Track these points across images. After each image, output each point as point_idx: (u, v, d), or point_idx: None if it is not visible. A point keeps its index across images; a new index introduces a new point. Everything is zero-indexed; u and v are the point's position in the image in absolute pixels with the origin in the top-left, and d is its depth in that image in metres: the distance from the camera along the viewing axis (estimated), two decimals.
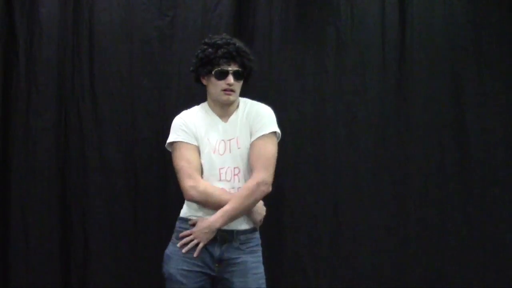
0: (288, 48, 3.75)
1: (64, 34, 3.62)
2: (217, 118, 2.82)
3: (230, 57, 2.75)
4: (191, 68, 2.84)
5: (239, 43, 2.81)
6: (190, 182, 2.69)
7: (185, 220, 2.73)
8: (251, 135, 2.78)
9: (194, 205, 2.76)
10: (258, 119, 2.79)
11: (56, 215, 3.61)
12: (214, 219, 2.68)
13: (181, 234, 2.69)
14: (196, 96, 3.58)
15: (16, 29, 3.59)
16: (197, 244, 2.68)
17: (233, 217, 2.67)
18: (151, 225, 3.63)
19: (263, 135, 2.73)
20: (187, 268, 2.71)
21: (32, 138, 3.59)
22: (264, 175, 2.68)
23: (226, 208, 2.66)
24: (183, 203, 2.87)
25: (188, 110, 2.89)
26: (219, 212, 2.67)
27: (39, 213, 3.59)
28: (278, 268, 3.69)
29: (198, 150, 2.76)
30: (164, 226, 3.59)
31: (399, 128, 3.80)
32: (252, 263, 2.74)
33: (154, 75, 3.67)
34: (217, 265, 2.73)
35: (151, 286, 3.53)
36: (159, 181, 3.64)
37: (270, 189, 2.71)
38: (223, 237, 2.72)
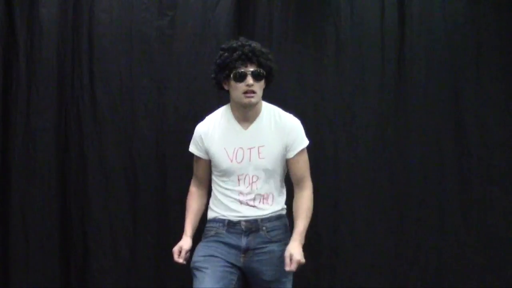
0: (288, 47, 3.76)
1: (64, 34, 3.64)
2: (237, 125, 2.83)
3: (247, 58, 2.74)
4: (212, 75, 2.85)
5: (255, 44, 2.81)
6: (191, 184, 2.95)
7: (210, 221, 2.84)
8: (287, 149, 2.81)
9: (214, 208, 2.85)
10: (295, 134, 2.83)
11: (56, 215, 3.64)
12: (300, 239, 2.72)
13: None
14: (195, 96, 3.67)
15: (16, 29, 3.61)
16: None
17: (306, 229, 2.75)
18: (150, 225, 3.64)
19: (300, 151, 2.82)
20: (208, 254, 2.75)
21: (32, 138, 3.61)
22: (311, 185, 2.84)
23: (301, 228, 2.72)
24: (182, 203, 2.93)
25: (211, 116, 2.91)
26: (299, 234, 2.71)
27: (39, 213, 3.61)
28: None
29: (206, 162, 2.86)
30: (163, 226, 3.66)
31: (398, 127, 3.82)
32: (278, 252, 2.77)
33: (154, 75, 3.68)
34: (243, 255, 2.77)
35: (150, 286, 3.55)
36: (158, 181, 3.66)
37: None
38: (248, 227, 2.77)
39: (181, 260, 2.76)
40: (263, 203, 2.82)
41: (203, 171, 2.89)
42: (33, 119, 3.62)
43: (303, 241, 2.70)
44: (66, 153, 3.67)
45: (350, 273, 3.79)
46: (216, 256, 2.76)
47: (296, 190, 2.85)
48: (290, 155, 2.82)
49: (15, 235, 3.60)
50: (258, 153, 2.80)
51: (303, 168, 2.85)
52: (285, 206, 2.88)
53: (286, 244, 2.77)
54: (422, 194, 3.80)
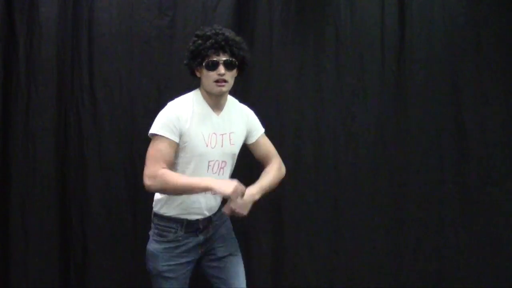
0: (288, 48, 3.76)
1: (64, 34, 3.63)
2: (210, 110, 2.84)
3: (219, 47, 2.75)
4: (185, 62, 2.85)
5: (229, 33, 2.81)
6: (151, 170, 2.73)
7: (166, 219, 2.83)
8: (248, 135, 2.96)
9: (173, 204, 2.83)
10: (255, 121, 3.01)
11: (56, 215, 3.63)
12: (255, 192, 2.77)
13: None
14: None
15: (16, 29, 3.59)
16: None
17: (267, 191, 2.85)
18: (148, 222, 3.48)
19: (262, 133, 3.01)
20: (174, 263, 2.83)
21: (32, 138, 3.61)
22: (280, 160, 2.99)
23: (264, 184, 2.84)
24: None
25: (182, 99, 2.86)
26: (258, 187, 2.80)
27: (39, 213, 3.61)
28: (279, 267, 3.73)
29: (176, 146, 2.77)
30: None
31: (397, 127, 3.82)
32: (226, 230, 2.99)
33: (154, 74, 3.67)
34: (200, 247, 2.90)
35: (150, 286, 3.50)
36: None
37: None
38: (204, 224, 2.88)
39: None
40: None
41: (170, 157, 2.78)
42: (33, 119, 3.61)
43: (258, 196, 2.77)
44: (66, 152, 3.66)
45: (349, 272, 3.80)
46: (180, 263, 2.85)
47: (265, 165, 2.99)
48: (253, 139, 2.98)
49: (15, 234, 3.60)
50: (230, 139, 2.85)
51: (268, 145, 3.03)
52: None
53: (229, 223, 3.01)
54: (421, 193, 3.80)
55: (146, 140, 3.53)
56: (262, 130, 3.04)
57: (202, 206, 2.86)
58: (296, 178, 3.74)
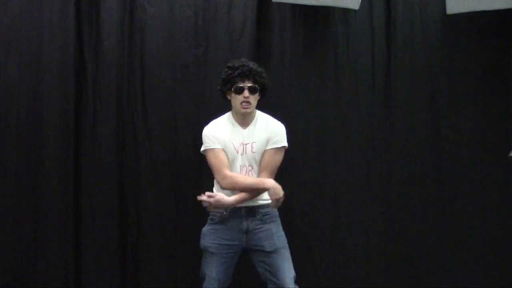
0: (297, 70, 4.11)
1: (122, 61, 4.07)
2: (238, 126, 3.15)
3: (245, 76, 3.07)
4: (218, 87, 3.20)
5: (253, 65, 3.13)
6: (219, 176, 3.09)
7: None
8: (267, 143, 3.12)
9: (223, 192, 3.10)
10: (275, 133, 3.14)
11: (116, 202, 4.04)
12: (230, 202, 3.05)
13: (207, 194, 3.06)
14: (224, 108, 3.63)
15: (85, 58, 4.06)
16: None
17: (241, 202, 3.06)
18: (189, 210, 3.94)
19: (275, 148, 3.13)
20: (217, 242, 3.10)
21: (97, 142, 4.03)
22: (270, 180, 3.09)
23: (237, 198, 3.05)
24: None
25: (216, 120, 3.21)
26: (234, 199, 3.04)
27: (102, 200, 4.04)
28: (288, 245, 3.70)
29: (225, 151, 3.12)
30: (200, 211, 3.63)
31: (386, 134, 4.17)
32: (275, 229, 3.12)
33: (192, 92, 4.07)
34: (245, 236, 3.09)
35: (188, 255, 3.91)
36: (195, 176, 3.98)
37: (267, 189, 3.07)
38: (247, 212, 3.10)
39: (203, 197, 3.03)
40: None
41: (226, 159, 3.07)
42: (98, 127, 4.03)
43: (234, 204, 3.04)
44: (124, 153, 4.05)
45: (346, 258, 4.10)
46: (223, 244, 3.06)
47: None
48: (267, 147, 3.11)
49: (85, 216, 4.01)
50: (251, 147, 3.10)
51: (268, 163, 3.10)
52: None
53: (279, 226, 3.13)
54: (406, 187, 4.11)
55: (186, 144, 4.01)
56: (277, 145, 3.12)
57: None
58: (303, 175, 4.07)
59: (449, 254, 4.15)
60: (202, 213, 3.70)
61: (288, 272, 3.06)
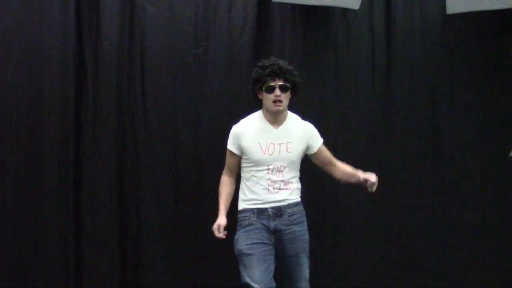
0: (297, 69, 3.91)
1: (121, 61, 4.10)
2: (269, 126, 3.11)
3: (275, 74, 3.04)
4: (249, 87, 3.15)
5: (282, 63, 3.10)
6: (223, 172, 3.20)
7: (242, 211, 3.10)
8: (309, 146, 3.16)
9: (243, 200, 3.10)
10: (315, 134, 3.20)
11: (116, 201, 4.06)
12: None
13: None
14: (224, 108, 4.00)
15: (85, 57, 4.08)
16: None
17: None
18: (189, 210, 4.01)
19: (322, 142, 3.23)
20: (251, 242, 3.03)
21: (97, 141, 4.06)
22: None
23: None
24: (215, 192, 3.17)
25: (245, 119, 3.17)
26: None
27: (102, 200, 4.05)
28: None
29: (238, 157, 3.13)
30: (199, 211, 3.98)
31: (385, 133, 4.23)
32: (299, 232, 3.10)
33: (192, 91, 4.10)
34: (272, 235, 3.06)
35: (188, 255, 3.96)
36: (195, 176, 4.03)
37: None
38: (274, 212, 3.07)
39: (221, 235, 3.00)
40: (286, 188, 3.08)
41: (234, 164, 3.14)
42: (98, 127, 4.06)
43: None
44: (123, 153, 4.08)
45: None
46: (257, 243, 3.02)
47: (331, 169, 3.21)
48: (314, 149, 3.17)
49: (85, 217, 4.03)
50: (287, 147, 3.08)
51: (328, 153, 3.22)
52: (300, 195, 3.17)
53: (304, 226, 3.11)
54: (405, 186, 4.15)
55: (186, 143, 4.03)
56: (321, 140, 3.20)
57: (263, 198, 3.04)
58: (304, 173, 3.70)
59: (449, 255, 4.20)
60: (202, 213, 3.91)
61: (300, 279, 3.09)
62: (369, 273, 4.19)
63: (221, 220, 3.06)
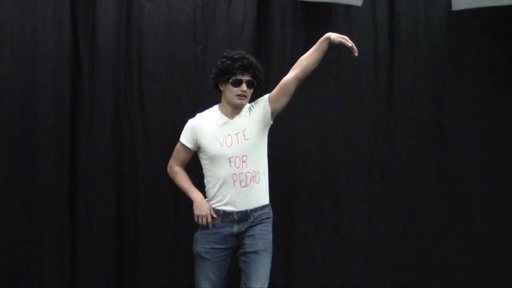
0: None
1: (118, 59, 4.00)
2: (226, 118, 3.15)
3: (245, 69, 3.10)
4: (211, 76, 3.17)
5: (252, 58, 3.17)
6: (170, 162, 3.29)
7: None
8: (264, 113, 3.16)
9: (212, 198, 3.16)
10: (258, 100, 3.24)
11: (113, 202, 3.96)
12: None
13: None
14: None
15: (81, 56, 3.98)
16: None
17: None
18: (188, 211, 3.65)
19: (268, 95, 3.23)
20: (209, 247, 3.13)
21: (94, 141, 3.97)
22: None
23: None
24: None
25: (203, 113, 3.24)
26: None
27: (99, 201, 3.95)
28: (289, 245, 4.05)
29: (190, 151, 3.23)
30: None
31: (388, 132, 4.16)
32: (260, 230, 3.14)
33: (190, 91, 4.01)
34: (234, 238, 3.12)
35: (186, 257, 3.72)
36: (193, 175, 3.72)
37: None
38: (240, 217, 3.11)
39: (214, 215, 3.11)
40: (252, 181, 3.09)
41: (185, 158, 3.25)
42: (95, 127, 3.97)
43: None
44: (121, 153, 4.00)
45: (349, 250, 4.10)
46: (215, 248, 3.10)
47: (301, 70, 3.20)
48: (268, 105, 3.18)
49: (81, 218, 3.95)
50: (243, 135, 3.11)
51: (281, 84, 3.19)
52: (268, 198, 3.20)
53: (268, 226, 3.16)
54: (408, 186, 4.12)
55: None
56: (266, 95, 3.20)
57: (234, 199, 3.09)
58: (304, 173, 4.07)
59: (453, 256, 4.19)
60: None
61: (260, 277, 3.10)
62: (369, 273, 4.17)
63: (198, 196, 3.20)
